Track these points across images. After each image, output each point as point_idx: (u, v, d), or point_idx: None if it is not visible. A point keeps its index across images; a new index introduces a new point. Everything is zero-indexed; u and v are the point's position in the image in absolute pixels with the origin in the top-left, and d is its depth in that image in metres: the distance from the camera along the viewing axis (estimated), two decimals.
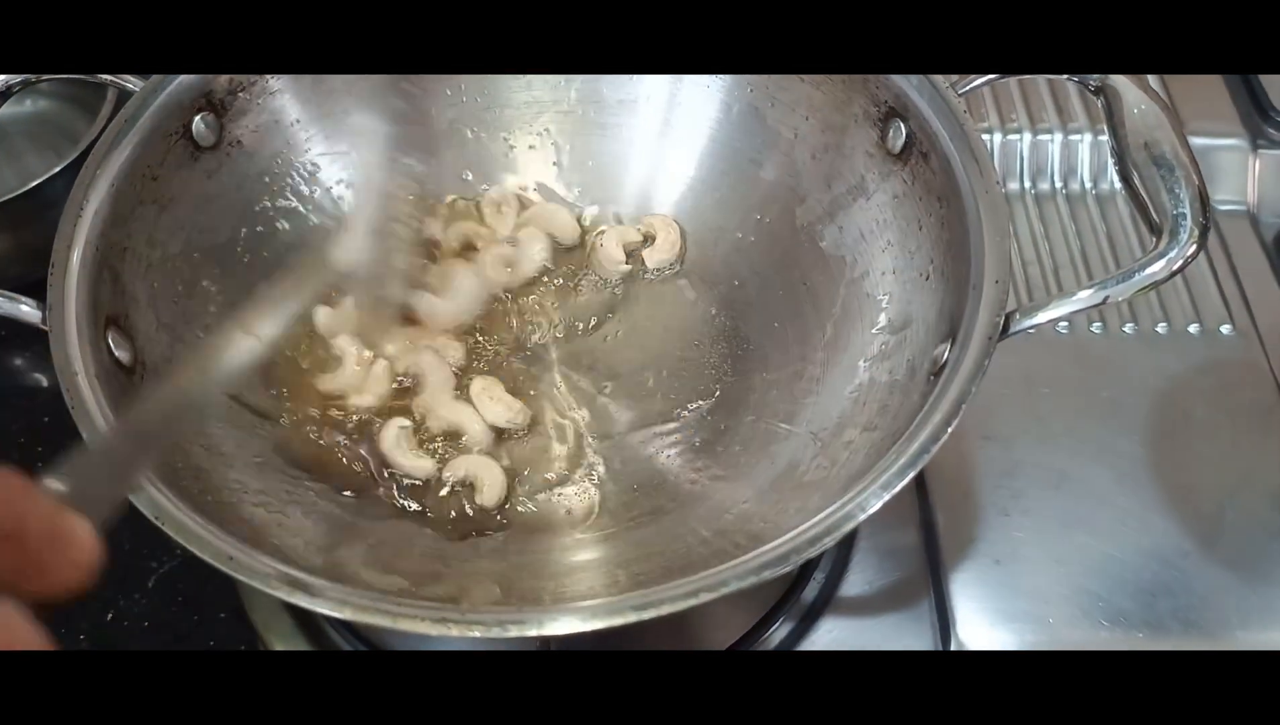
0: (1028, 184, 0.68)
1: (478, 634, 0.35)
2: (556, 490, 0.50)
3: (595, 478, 0.51)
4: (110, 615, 0.56)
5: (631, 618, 0.36)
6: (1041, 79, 0.70)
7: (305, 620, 0.54)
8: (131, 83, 0.50)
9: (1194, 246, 0.42)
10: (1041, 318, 0.42)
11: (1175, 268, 0.42)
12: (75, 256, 0.44)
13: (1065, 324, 0.62)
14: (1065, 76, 0.48)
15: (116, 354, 0.44)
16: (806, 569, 0.54)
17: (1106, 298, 0.42)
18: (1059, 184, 0.68)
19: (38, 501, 0.24)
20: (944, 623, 0.53)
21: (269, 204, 0.54)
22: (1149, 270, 0.42)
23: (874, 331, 0.49)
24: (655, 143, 0.58)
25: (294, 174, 0.54)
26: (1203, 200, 0.42)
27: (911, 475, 0.38)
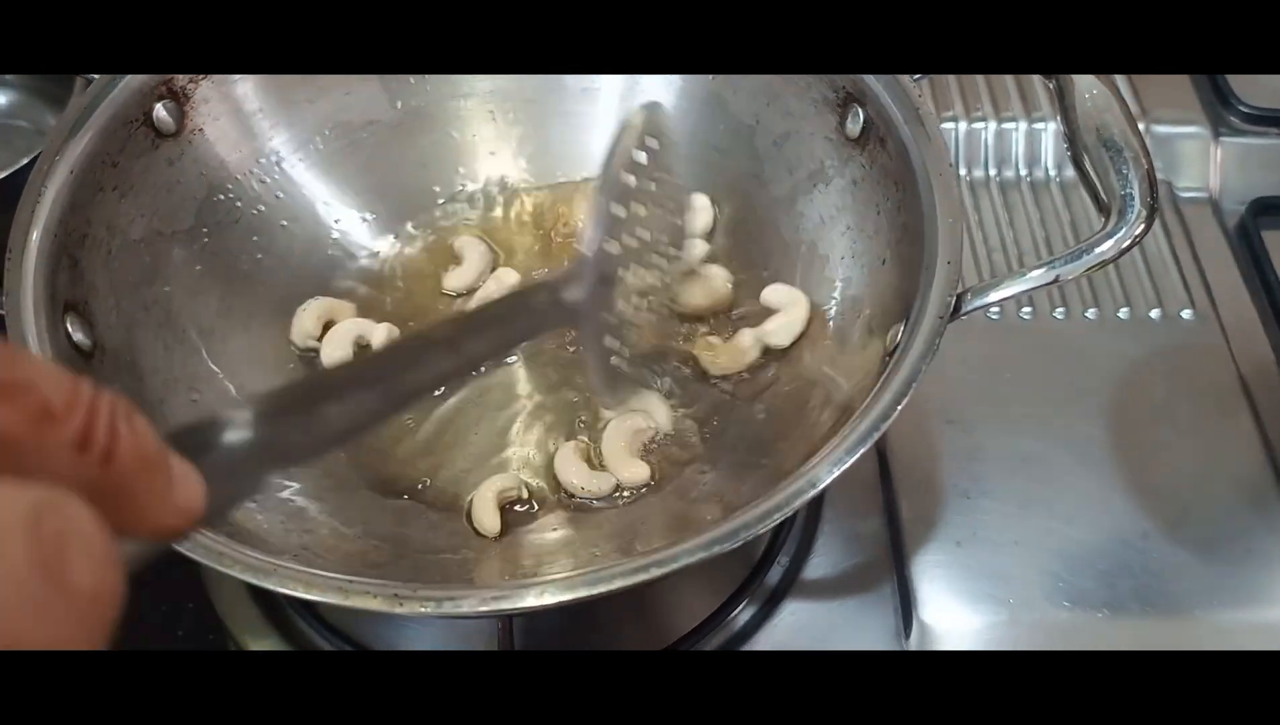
0: (992, 171, 0.69)
1: (428, 610, 0.35)
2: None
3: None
4: None
5: (583, 593, 0.36)
6: None
7: (271, 608, 0.54)
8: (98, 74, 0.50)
9: (1142, 226, 0.42)
10: (993, 297, 0.43)
11: (1124, 246, 0.42)
12: (33, 242, 0.44)
13: (1028, 309, 0.62)
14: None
15: (75, 339, 0.44)
16: (770, 552, 0.54)
17: (1057, 277, 0.42)
18: (1023, 171, 0.69)
19: (138, 427, 0.21)
20: (906, 605, 0.53)
21: (231, 192, 0.54)
22: (1098, 249, 0.42)
23: (833, 317, 0.50)
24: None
25: (256, 162, 0.55)
26: (1151, 182, 0.43)
27: (862, 452, 0.38)
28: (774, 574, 0.54)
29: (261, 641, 0.53)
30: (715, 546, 0.36)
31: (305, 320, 0.53)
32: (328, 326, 0.54)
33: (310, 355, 0.53)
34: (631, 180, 0.43)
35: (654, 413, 0.51)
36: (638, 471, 0.49)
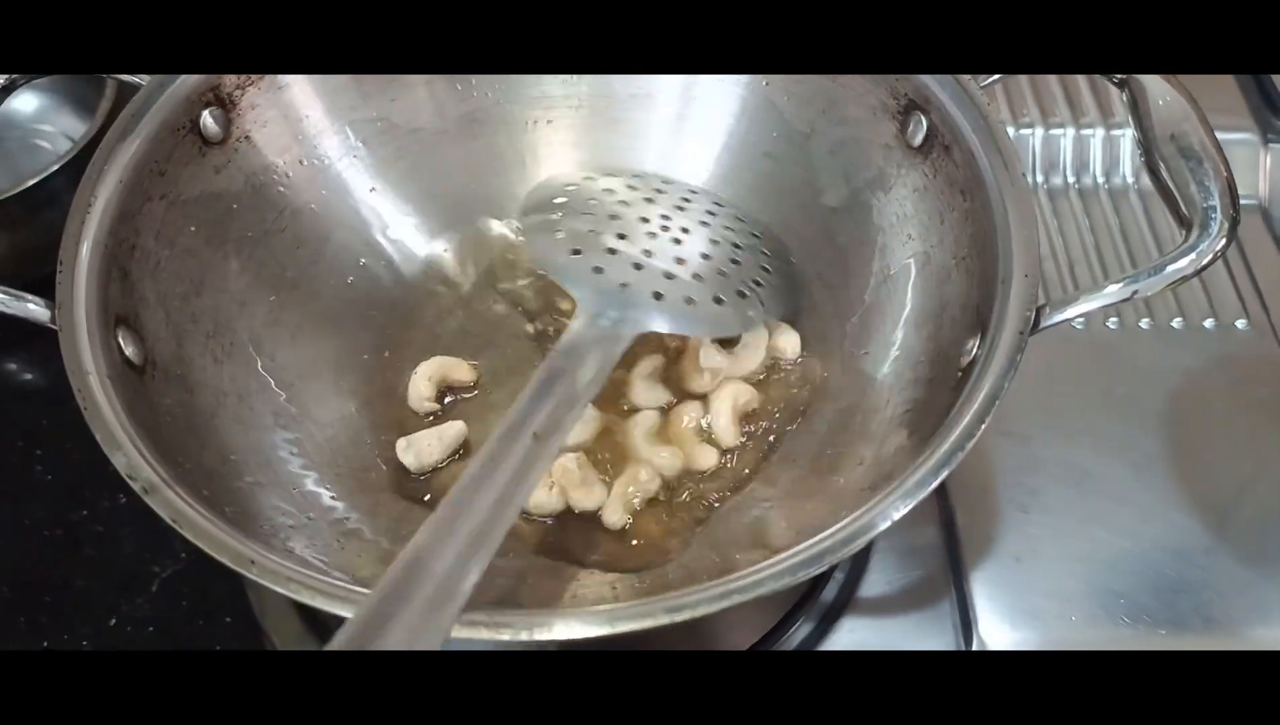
0: (1040, 179, 0.68)
1: (506, 637, 0.35)
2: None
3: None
4: (113, 620, 0.55)
5: (664, 620, 0.35)
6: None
7: (316, 622, 0.53)
8: (136, 77, 0.48)
9: (1224, 240, 0.41)
10: (1071, 312, 0.42)
11: (1205, 261, 0.41)
12: (84, 254, 0.43)
13: (1081, 320, 0.61)
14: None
15: (127, 353, 0.43)
16: (826, 570, 0.53)
17: (1136, 292, 0.42)
18: (1071, 179, 0.68)
19: None
20: (965, 621, 0.52)
21: (278, 200, 0.52)
22: (1178, 264, 0.41)
23: (898, 329, 0.49)
24: (668, 138, 0.57)
25: (303, 169, 0.53)
26: (1232, 192, 0.42)
27: (946, 473, 0.37)
28: (830, 590, 0.53)
29: None
30: (801, 571, 0.35)
31: (420, 385, 0.51)
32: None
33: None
34: None
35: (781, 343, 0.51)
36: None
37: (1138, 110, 0.45)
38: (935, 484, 0.37)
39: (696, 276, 0.48)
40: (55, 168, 0.60)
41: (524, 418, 0.38)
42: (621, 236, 0.49)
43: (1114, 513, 0.55)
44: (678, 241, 0.50)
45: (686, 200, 0.52)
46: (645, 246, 0.49)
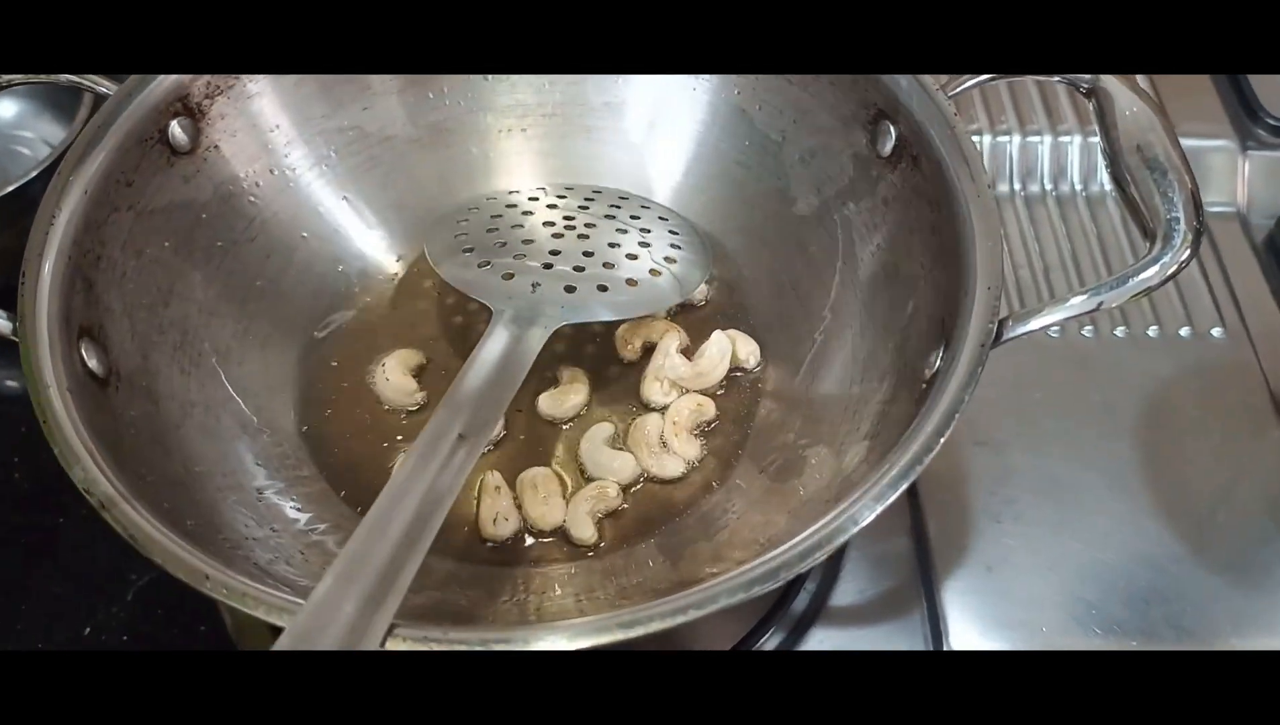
0: (1017, 186, 0.68)
1: (464, 650, 0.34)
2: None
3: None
4: (88, 629, 0.55)
5: (619, 635, 0.35)
6: (1030, 81, 0.70)
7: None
8: (105, 86, 0.48)
9: (1188, 251, 0.41)
10: (1035, 324, 0.42)
11: (1169, 273, 0.41)
12: (47, 265, 0.43)
13: (1057, 328, 0.61)
14: (1057, 78, 0.47)
15: (90, 365, 0.43)
16: (797, 579, 0.53)
17: (1100, 303, 0.41)
18: (1049, 186, 0.68)
19: None
20: (936, 631, 0.52)
21: (247, 210, 0.52)
22: (1143, 275, 0.41)
23: (864, 340, 0.49)
24: (641, 146, 0.57)
25: (272, 179, 0.53)
26: (1196, 204, 0.42)
27: (904, 487, 0.37)
28: (801, 600, 0.53)
29: None
30: (756, 586, 0.35)
31: (396, 378, 0.52)
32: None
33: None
34: None
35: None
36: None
37: (1104, 120, 0.45)
38: (893, 498, 0.37)
39: (607, 265, 0.50)
40: (34, 174, 0.60)
41: (449, 420, 0.40)
42: (528, 242, 0.51)
43: (1087, 522, 0.55)
44: (584, 237, 0.51)
45: (590, 199, 0.54)
46: (552, 247, 0.50)
